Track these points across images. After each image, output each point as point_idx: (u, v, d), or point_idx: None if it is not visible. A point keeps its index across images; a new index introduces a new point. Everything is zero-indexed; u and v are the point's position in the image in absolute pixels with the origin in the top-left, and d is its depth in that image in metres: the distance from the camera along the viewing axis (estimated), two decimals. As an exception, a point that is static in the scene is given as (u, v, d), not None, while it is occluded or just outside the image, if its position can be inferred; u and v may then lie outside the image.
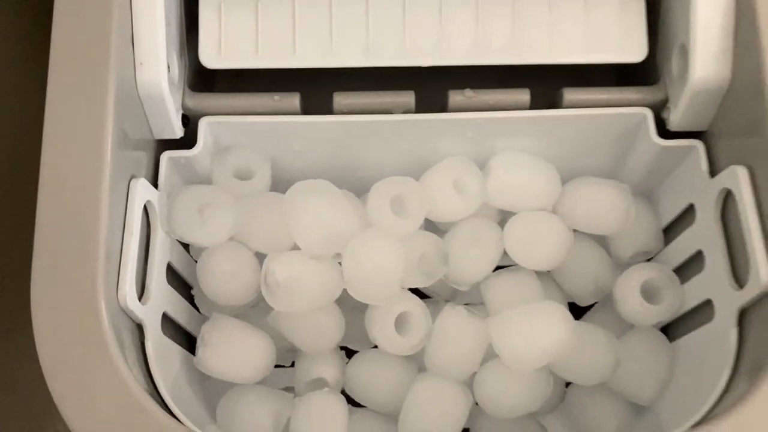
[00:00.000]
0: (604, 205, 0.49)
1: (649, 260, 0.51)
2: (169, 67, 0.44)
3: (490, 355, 0.47)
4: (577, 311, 0.52)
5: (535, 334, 0.45)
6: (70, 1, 0.41)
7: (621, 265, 0.50)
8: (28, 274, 0.38)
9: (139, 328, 0.42)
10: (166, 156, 0.46)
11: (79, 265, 0.37)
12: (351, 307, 0.50)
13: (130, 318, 0.41)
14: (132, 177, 0.42)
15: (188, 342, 0.49)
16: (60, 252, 0.37)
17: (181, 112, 0.47)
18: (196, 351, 0.46)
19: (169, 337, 0.45)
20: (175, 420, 0.37)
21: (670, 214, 0.50)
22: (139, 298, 0.41)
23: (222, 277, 0.47)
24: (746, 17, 0.41)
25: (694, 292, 0.46)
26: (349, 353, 0.52)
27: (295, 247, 0.47)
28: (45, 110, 0.40)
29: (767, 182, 0.40)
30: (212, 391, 0.48)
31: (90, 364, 0.36)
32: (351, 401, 0.50)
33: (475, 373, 0.48)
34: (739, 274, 0.42)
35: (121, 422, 0.36)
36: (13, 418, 0.59)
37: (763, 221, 0.40)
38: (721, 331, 0.42)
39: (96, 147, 0.39)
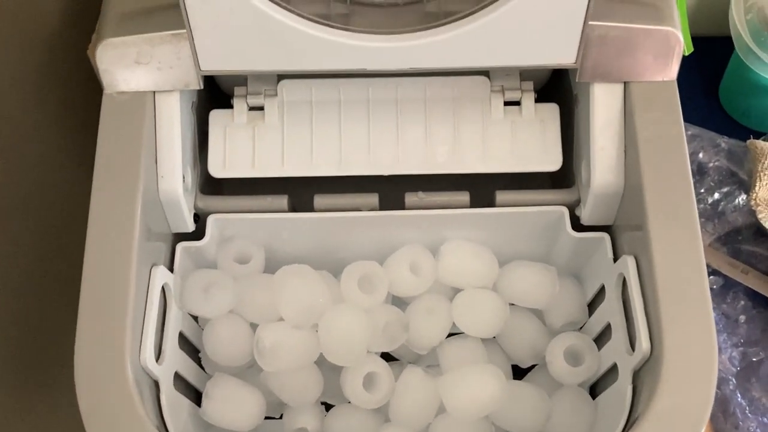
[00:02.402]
0: (533, 283, 0.57)
1: (580, 329, 0.59)
2: (184, 178, 0.53)
3: (443, 409, 0.54)
4: (521, 372, 0.60)
5: (474, 391, 0.52)
6: (111, 129, 0.51)
7: (554, 334, 0.58)
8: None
9: (156, 384, 0.49)
10: (180, 246, 0.55)
11: (111, 332, 0.46)
12: (329, 368, 0.56)
13: (149, 375, 0.49)
14: (153, 264, 0.51)
15: (196, 396, 0.56)
16: (97, 321, 0.46)
17: (193, 211, 0.55)
18: (202, 403, 0.54)
19: (180, 392, 0.52)
20: None
21: (591, 292, 0.58)
22: (156, 360, 0.49)
23: (223, 343, 0.55)
24: (631, 144, 0.51)
25: (606, 357, 0.54)
26: (328, 407, 0.58)
27: (282, 319, 0.54)
28: (89, 209, 0.49)
29: (648, 268, 0.48)
30: (214, 438, 0.56)
31: (117, 409, 0.45)
32: None
33: (430, 424, 0.55)
34: (633, 341, 0.49)
35: None
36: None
37: (644, 300, 0.49)
38: (623, 388, 0.49)
39: (126, 241, 0.48)
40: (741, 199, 0.69)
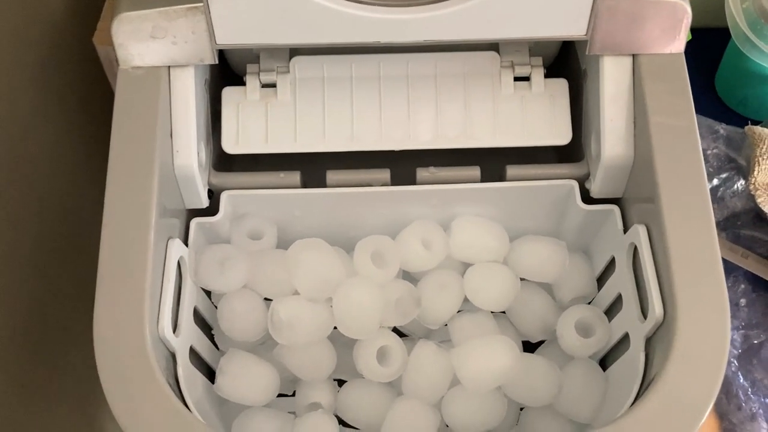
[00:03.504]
0: (544, 258, 0.57)
1: (589, 303, 0.59)
2: (198, 154, 0.53)
3: (455, 382, 0.54)
4: (531, 347, 0.60)
5: (487, 361, 0.53)
6: (126, 104, 0.51)
7: (563, 308, 0.58)
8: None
9: (173, 358, 0.49)
10: (195, 222, 0.55)
11: (130, 303, 0.46)
12: (342, 344, 0.57)
13: (166, 348, 0.49)
14: (169, 238, 0.51)
15: (209, 373, 0.56)
16: (115, 292, 0.46)
17: (207, 187, 0.55)
18: (216, 379, 0.54)
19: (194, 367, 0.52)
20: (202, 423, 0.45)
21: (600, 265, 0.58)
22: (173, 332, 0.49)
23: (237, 317, 0.55)
24: (640, 114, 0.52)
25: (617, 328, 0.54)
26: (341, 383, 0.58)
27: (296, 293, 0.55)
28: (106, 186, 0.49)
29: (659, 237, 0.49)
30: (228, 413, 0.55)
31: (137, 378, 0.45)
32: (343, 423, 0.56)
33: (443, 397, 0.55)
34: (645, 310, 0.50)
35: (161, 423, 0.44)
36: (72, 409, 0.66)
37: (656, 268, 0.49)
38: (635, 356, 0.50)
39: (144, 216, 0.48)
40: (740, 184, 0.70)
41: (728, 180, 0.71)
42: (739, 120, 0.73)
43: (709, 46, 0.75)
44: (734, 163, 0.71)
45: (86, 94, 0.69)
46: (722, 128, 0.73)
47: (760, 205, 0.67)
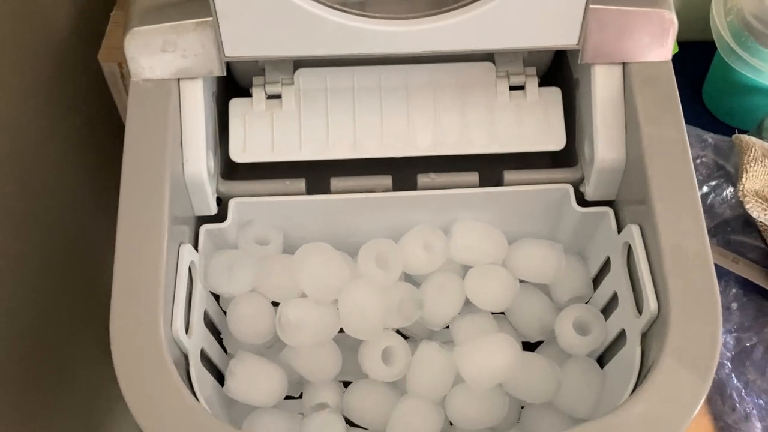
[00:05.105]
0: (541, 259, 0.59)
1: (587, 303, 0.61)
2: (207, 162, 0.54)
3: (458, 380, 0.56)
4: (531, 347, 0.61)
5: (489, 359, 0.54)
6: (138, 115, 0.53)
7: (561, 308, 0.59)
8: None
9: (185, 359, 0.51)
10: (204, 228, 0.56)
11: (145, 305, 0.47)
12: (347, 348, 0.58)
13: (179, 348, 0.50)
14: (181, 243, 0.52)
15: (218, 377, 0.57)
16: (132, 296, 0.48)
17: (215, 195, 0.57)
18: (225, 381, 0.55)
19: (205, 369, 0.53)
20: (217, 421, 0.46)
21: (595, 266, 0.60)
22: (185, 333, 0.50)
23: (246, 320, 0.56)
24: (631, 119, 0.54)
25: (613, 325, 0.56)
26: (346, 385, 0.59)
27: (303, 295, 0.56)
28: (120, 194, 0.50)
29: (652, 236, 0.51)
30: (237, 414, 0.56)
31: (153, 375, 0.46)
32: (349, 422, 0.57)
33: (446, 395, 0.56)
34: (640, 306, 0.52)
35: (177, 419, 0.45)
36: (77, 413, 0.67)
37: (650, 265, 0.51)
38: (631, 351, 0.52)
39: (157, 222, 0.49)
40: (729, 191, 0.71)
41: (717, 187, 0.72)
42: (726, 130, 0.74)
43: (695, 60, 0.76)
44: (723, 171, 0.72)
45: (92, 110, 0.71)
46: (710, 137, 0.74)
47: (749, 211, 0.68)
